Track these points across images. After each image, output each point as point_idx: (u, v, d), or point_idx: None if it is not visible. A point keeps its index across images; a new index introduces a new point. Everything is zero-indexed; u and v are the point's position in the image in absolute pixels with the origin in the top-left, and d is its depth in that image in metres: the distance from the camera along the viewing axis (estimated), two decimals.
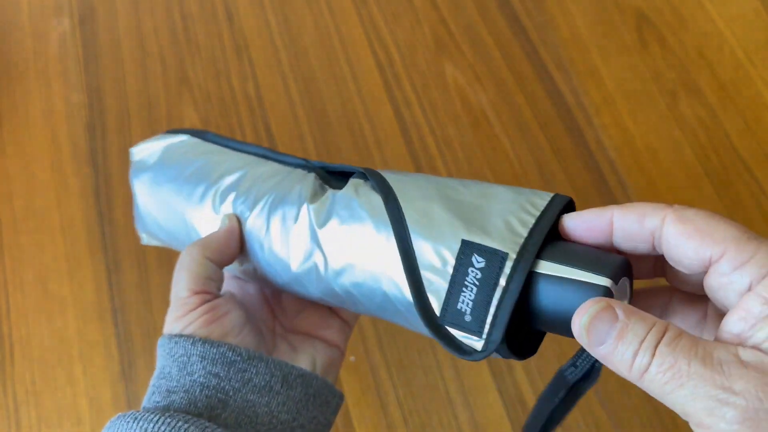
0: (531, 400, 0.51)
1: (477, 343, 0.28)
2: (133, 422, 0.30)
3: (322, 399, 0.36)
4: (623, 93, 0.61)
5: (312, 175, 0.36)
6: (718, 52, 0.62)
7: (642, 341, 0.23)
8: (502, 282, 0.27)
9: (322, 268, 0.34)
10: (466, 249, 0.28)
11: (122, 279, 0.57)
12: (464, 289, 0.28)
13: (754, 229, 0.60)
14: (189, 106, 0.63)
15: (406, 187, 0.32)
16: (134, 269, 0.57)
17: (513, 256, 0.27)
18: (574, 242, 0.28)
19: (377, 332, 0.54)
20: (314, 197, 0.35)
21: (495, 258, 0.27)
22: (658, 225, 0.26)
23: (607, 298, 0.25)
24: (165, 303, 0.55)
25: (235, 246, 0.36)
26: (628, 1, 0.65)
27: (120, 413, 0.31)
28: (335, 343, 0.40)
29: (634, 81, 0.62)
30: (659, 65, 0.62)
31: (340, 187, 0.35)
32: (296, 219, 0.34)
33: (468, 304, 0.28)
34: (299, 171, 0.37)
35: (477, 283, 0.27)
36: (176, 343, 0.33)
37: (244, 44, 0.66)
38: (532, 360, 0.52)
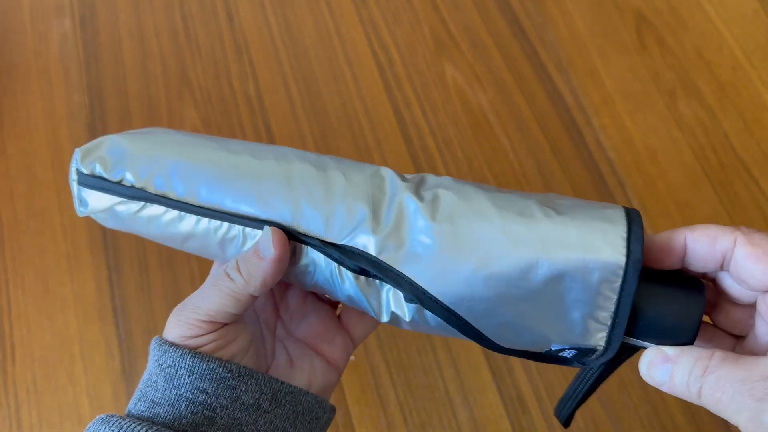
0: (530, 400, 0.51)
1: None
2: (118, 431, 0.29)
3: (311, 416, 0.35)
4: (622, 93, 0.61)
5: (350, 276, 0.32)
6: (717, 53, 0.62)
7: (690, 373, 0.27)
8: (598, 352, 0.30)
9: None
10: (556, 349, 0.31)
11: (123, 278, 0.57)
12: (560, 353, 0.31)
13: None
14: (189, 106, 0.63)
15: (472, 306, 0.30)
16: (135, 269, 0.57)
17: (602, 345, 0.30)
18: (651, 277, 0.30)
19: (377, 332, 0.54)
20: (378, 313, 0.33)
21: (585, 349, 0.30)
22: (729, 247, 0.29)
23: (658, 347, 0.29)
24: (165, 302, 0.56)
25: (280, 276, 0.33)
26: (628, 1, 0.65)
27: (104, 415, 0.31)
28: (335, 362, 0.38)
29: (634, 81, 0.62)
30: (658, 66, 0.62)
31: (380, 277, 0.32)
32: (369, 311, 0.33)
33: (568, 354, 0.31)
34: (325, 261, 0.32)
35: (572, 354, 0.31)
36: (165, 352, 0.32)
37: (244, 44, 0.66)
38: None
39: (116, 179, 0.34)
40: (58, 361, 0.55)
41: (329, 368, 0.37)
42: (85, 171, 0.34)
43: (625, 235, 0.28)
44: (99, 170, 0.34)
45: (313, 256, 0.32)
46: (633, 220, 0.29)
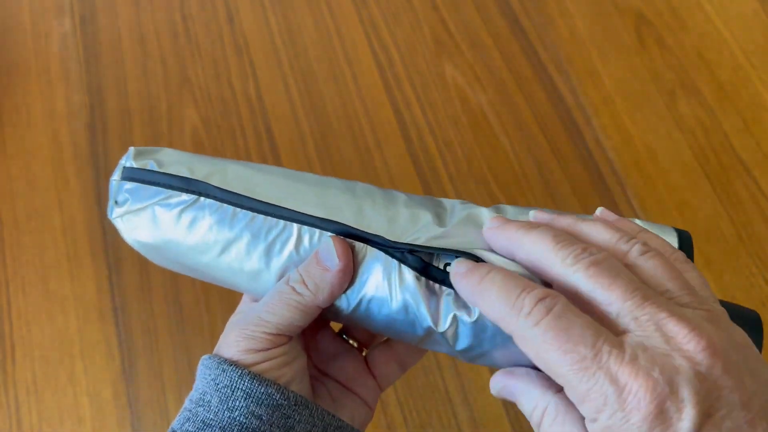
0: None
1: None
2: None
3: None
4: (622, 93, 0.62)
5: (410, 276, 0.31)
6: (716, 53, 0.62)
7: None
8: None
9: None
10: None
11: (123, 278, 0.57)
12: None
13: (752, 229, 0.61)
14: (190, 106, 0.64)
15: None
16: (135, 269, 0.57)
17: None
18: None
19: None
20: (436, 319, 0.30)
21: None
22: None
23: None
24: (165, 302, 0.56)
25: (345, 285, 0.32)
26: (627, 1, 0.65)
27: None
28: (369, 403, 0.37)
29: (633, 81, 0.62)
30: (658, 66, 0.62)
31: (441, 279, 0.31)
32: (419, 335, 0.31)
33: None
34: (385, 259, 0.31)
35: None
36: (224, 371, 0.31)
37: (244, 44, 0.66)
38: None
39: (172, 172, 0.33)
40: (58, 361, 0.55)
41: (365, 407, 0.37)
42: (136, 166, 0.34)
43: (676, 234, 0.32)
44: (153, 166, 0.33)
45: (368, 260, 0.31)
46: (683, 234, 0.32)
